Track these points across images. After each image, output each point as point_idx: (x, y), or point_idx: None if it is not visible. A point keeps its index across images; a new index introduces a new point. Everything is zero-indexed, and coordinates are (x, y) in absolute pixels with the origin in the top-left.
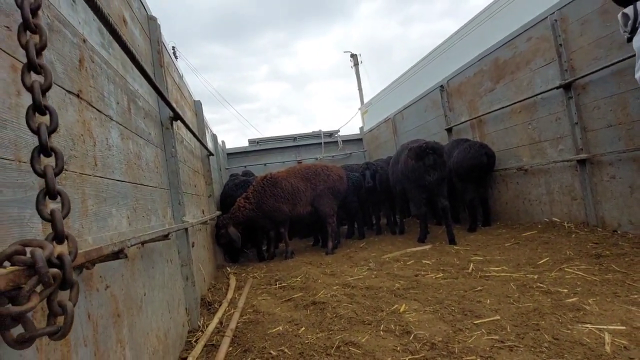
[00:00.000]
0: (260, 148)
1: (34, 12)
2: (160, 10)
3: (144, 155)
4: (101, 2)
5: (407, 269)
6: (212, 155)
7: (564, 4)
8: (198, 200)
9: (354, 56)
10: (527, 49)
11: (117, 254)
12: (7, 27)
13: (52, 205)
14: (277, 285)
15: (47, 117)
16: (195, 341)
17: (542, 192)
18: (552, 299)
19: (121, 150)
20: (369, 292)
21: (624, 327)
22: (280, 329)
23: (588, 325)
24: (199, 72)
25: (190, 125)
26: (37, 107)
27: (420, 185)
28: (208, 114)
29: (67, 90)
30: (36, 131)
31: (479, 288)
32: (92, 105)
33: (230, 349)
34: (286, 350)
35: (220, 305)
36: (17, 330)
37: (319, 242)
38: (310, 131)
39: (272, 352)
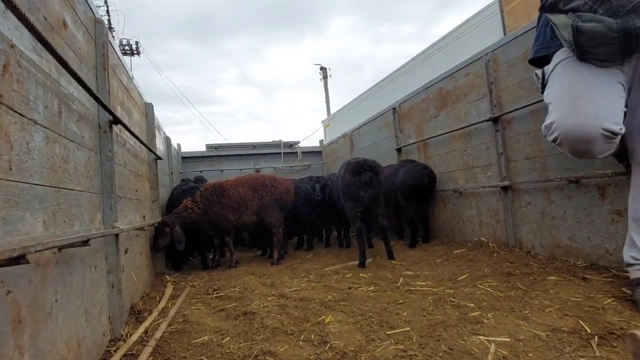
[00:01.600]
0: (218, 154)
1: None
2: (127, 1)
3: (72, 159)
4: (35, 6)
5: (343, 281)
6: (160, 159)
7: (495, 47)
8: (139, 205)
9: (323, 69)
10: (465, 82)
11: (17, 259)
12: None
13: None
14: (214, 295)
15: None
16: (114, 350)
17: (473, 214)
18: (459, 312)
19: (44, 153)
20: (301, 304)
21: (509, 339)
22: (206, 338)
23: (481, 337)
24: (163, 70)
25: (138, 128)
26: None
27: (354, 199)
28: (170, 113)
29: None
30: None
31: (401, 301)
32: (12, 109)
33: (151, 358)
34: (205, 359)
35: (150, 314)
36: None
37: (303, 244)
38: (271, 140)
39: None
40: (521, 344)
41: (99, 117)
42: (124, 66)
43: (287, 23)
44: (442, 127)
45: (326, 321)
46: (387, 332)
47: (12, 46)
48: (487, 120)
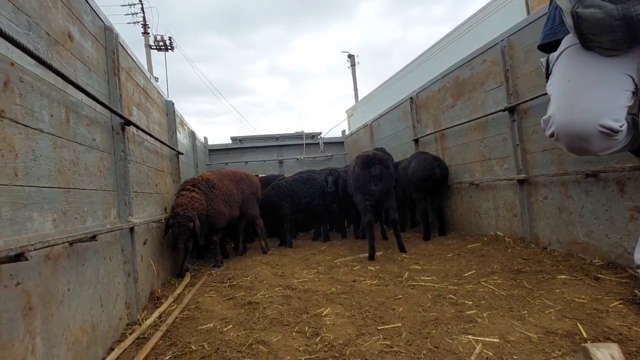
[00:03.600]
0: (242, 146)
1: None
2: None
3: (83, 161)
4: (36, 23)
5: (350, 274)
6: (182, 154)
7: (512, 32)
8: (160, 199)
9: (351, 57)
10: (482, 70)
11: (17, 257)
12: None
13: None
14: (227, 284)
15: None
16: (129, 333)
17: (490, 207)
18: (455, 310)
19: (51, 159)
20: (305, 295)
21: (497, 340)
22: (211, 326)
23: (469, 336)
24: (199, 63)
25: (157, 126)
26: None
27: (364, 192)
28: (207, 105)
29: None
30: None
31: (400, 296)
32: (15, 122)
33: (160, 342)
34: (206, 345)
35: (166, 299)
36: None
37: (320, 235)
38: (294, 132)
39: (192, 347)
40: (509, 345)
41: (112, 119)
42: (140, 68)
43: (312, 10)
44: (458, 118)
45: (324, 313)
46: (379, 327)
47: (13, 64)
48: (503, 110)
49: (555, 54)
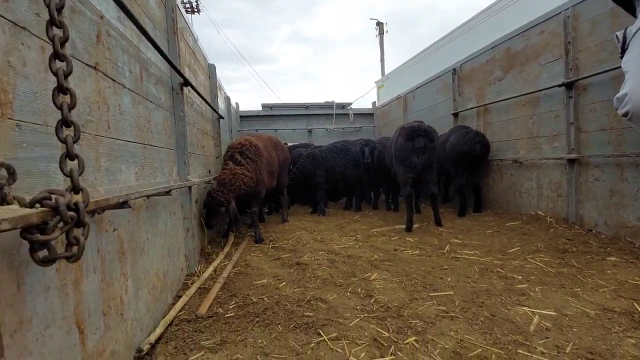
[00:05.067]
0: (273, 113)
1: (59, 10)
2: None
3: (153, 119)
4: None
5: (389, 243)
6: (223, 118)
7: (578, 1)
8: (205, 161)
9: (379, 24)
10: (538, 42)
11: (122, 205)
12: (37, 14)
13: (71, 165)
14: (270, 246)
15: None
16: (191, 283)
17: (532, 186)
18: (505, 283)
19: (132, 114)
20: (349, 260)
21: (554, 313)
22: (265, 281)
23: (525, 308)
24: (221, 28)
25: (202, 89)
26: (61, 89)
27: (406, 165)
28: (227, 72)
29: (85, 64)
30: (60, 107)
31: (446, 267)
32: (107, 75)
33: (220, 292)
34: (265, 298)
35: (217, 256)
36: (44, 254)
37: (351, 205)
38: (323, 101)
39: (253, 298)
40: (567, 319)
41: (172, 79)
42: (189, 28)
43: None
44: (506, 92)
45: (372, 278)
46: (430, 294)
47: (102, 17)
48: (560, 86)
49: (633, 28)
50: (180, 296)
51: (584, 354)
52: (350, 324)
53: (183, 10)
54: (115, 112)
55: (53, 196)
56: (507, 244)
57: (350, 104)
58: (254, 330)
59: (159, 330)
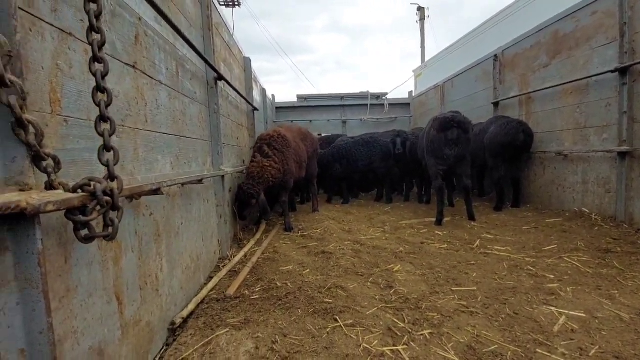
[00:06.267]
0: (308, 104)
1: (97, 16)
2: None
3: (188, 112)
4: None
5: (417, 236)
6: (257, 110)
7: None
8: (240, 151)
9: (420, 10)
10: (590, 23)
11: (155, 191)
12: (81, 20)
13: (107, 156)
14: (299, 234)
15: (106, 94)
16: (222, 266)
17: (577, 181)
18: (534, 282)
19: (168, 108)
20: (374, 251)
21: (584, 315)
22: (290, 268)
23: (552, 308)
24: (260, 19)
25: (238, 82)
26: (99, 88)
27: (438, 157)
28: (264, 63)
29: (125, 63)
30: (98, 104)
31: (473, 262)
32: (145, 73)
33: (248, 276)
34: (289, 284)
35: (248, 242)
36: (85, 233)
37: (382, 197)
38: (358, 91)
39: (278, 283)
40: (597, 321)
41: (207, 74)
42: (225, 24)
43: None
44: (552, 79)
45: (395, 269)
46: (452, 288)
47: (140, 19)
48: (613, 71)
49: None
50: (212, 277)
51: (609, 358)
52: (367, 313)
53: (220, 6)
54: (153, 107)
55: (92, 183)
56: (543, 242)
57: (386, 94)
58: (276, 312)
59: (191, 307)
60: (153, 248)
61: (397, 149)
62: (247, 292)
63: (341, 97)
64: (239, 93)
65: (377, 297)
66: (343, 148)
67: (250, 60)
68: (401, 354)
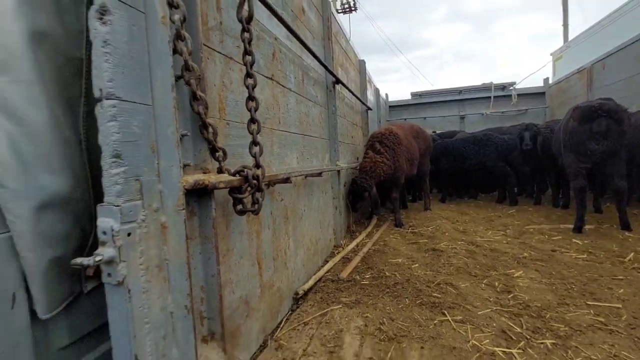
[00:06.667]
0: (422, 101)
1: (249, 42)
2: None
3: (311, 114)
4: (285, 3)
5: (547, 242)
6: (371, 109)
7: None
8: (354, 149)
9: None
10: None
11: (286, 180)
12: (237, 46)
13: (254, 149)
14: (409, 230)
15: (255, 102)
16: (337, 253)
17: None
18: None
19: (295, 111)
20: (491, 254)
21: None
22: (399, 261)
23: None
24: (375, 20)
25: (353, 84)
26: (250, 97)
27: (579, 152)
28: (380, 63)
29: (265, 76)
30: (249, 110)
31: (621, 277)
32: (279, 83)
33: (359, 264)
34: (397, 275)
35: (360, 234)
36: (240, 207)
37: (505, 198)
38: (480, 83)
39: (387, 273)
40: None
41: (326, 79)
42: (342, 31)
43: None
44: None
45: (515, 275)
46: (588, 302)
47: (276, 38)
48: None
49: None
50: (327, 261)
51: None
52: (479, 313)
53: (337, 14)
54: (284, 110)
55: (245, 170)
56: None
57: (513, 84)
58: (384, 298)
59: (311, 282)
60: (283, 228)
61: (525, 144)
62: (357, 277)
63: (459, 90)
64: (353, 94)
65: (491, 299)
66: (450, 145)
67: (364, 63)
68: (515, 357)
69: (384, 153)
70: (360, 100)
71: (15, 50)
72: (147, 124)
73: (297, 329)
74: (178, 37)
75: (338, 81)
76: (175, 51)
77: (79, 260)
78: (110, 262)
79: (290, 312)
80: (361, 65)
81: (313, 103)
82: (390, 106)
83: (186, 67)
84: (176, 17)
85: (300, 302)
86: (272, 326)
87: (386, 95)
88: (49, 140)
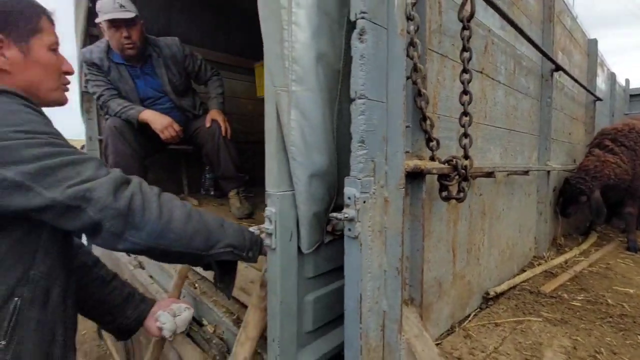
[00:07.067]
0: None
1: (468, 39)
2: None
3: (520, 107)
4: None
5: None
6: (600, 100)
7: None
8: (571, 149)
9: None
10: None
11: (489, 174)
12: (452, 44)
13: (464, 141)
14: None
15: (468, 96)
16: (537, 264)
17: None
18: None
19: (503, 105)
20: None
21: None
22: (631, 291)
23: None
24: None
25: (577, 70)
26: (465, 91)
27: None
28: (618, 39)
29: (476, 70)
30: (462, 104)
31: None
32: (488, 76)
33: (568, 282)
34: (626, 306)
35: (570, 250)
36: (445, 194)
37: None
38: None
39: (609, 300)
40: None
41: (542, 67)
42: (568, 9)
43: None
44: None
45: None
46: None
47: (490, 30)
48: None
49: None
50: (524, 271)
51: None
52: None
53: None
54: (491, 104)
55: (454, 159)
56: None
57: None
58: (602, 327)
59: (504, 286)
60: (479, 223)
61: None
62: (565, 295)
63: None
64: (577, 82)
65: None
66: None
67: (595, 42)
68: None
69: (618, 153)
70: (586, 89)
71: (309, 68)
72: (382, 118)
73: (487, 327)
74: (411, 44)
75: (558, 68)
76: (407, 55)
77: (333, 214)
78: (351, 220)
79: (478, 310)
80: (590, 46)
81: (523, 95)
82: (631, 95)
83: (414, 69)
84: (411, 27)
85: (490, 303)
86: (459, 316)
87: (626, 81)
88: (321, 130)
